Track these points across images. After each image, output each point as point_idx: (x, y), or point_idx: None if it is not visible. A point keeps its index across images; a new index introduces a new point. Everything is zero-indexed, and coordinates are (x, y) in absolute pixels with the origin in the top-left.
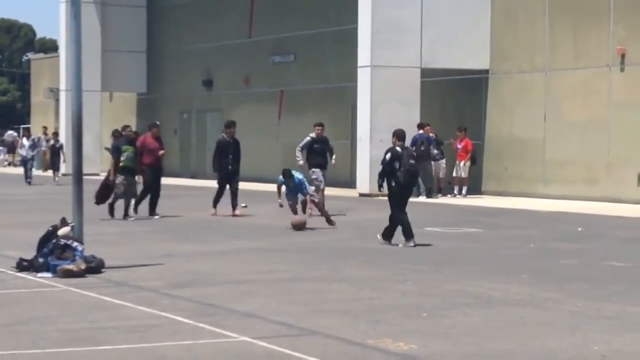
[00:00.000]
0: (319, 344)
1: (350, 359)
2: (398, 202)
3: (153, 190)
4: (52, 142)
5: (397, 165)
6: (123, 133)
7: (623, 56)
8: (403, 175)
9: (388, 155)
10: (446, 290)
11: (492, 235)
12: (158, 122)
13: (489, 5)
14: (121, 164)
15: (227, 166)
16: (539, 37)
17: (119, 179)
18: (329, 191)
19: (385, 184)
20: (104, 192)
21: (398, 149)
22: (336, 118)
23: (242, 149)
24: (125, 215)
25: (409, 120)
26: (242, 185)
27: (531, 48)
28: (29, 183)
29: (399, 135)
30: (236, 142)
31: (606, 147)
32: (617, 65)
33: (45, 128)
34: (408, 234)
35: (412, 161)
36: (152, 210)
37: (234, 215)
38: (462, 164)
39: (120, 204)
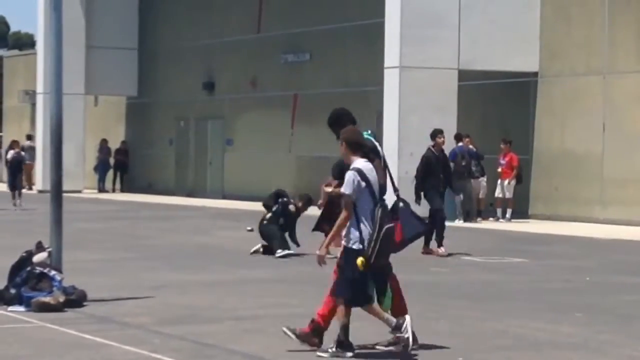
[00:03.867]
0: None
1: None
2: None
3: None
4: (12, 153)
5: None
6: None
7: None
8: None
9: None
10: (486, 330)
11: (541, 266)
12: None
13: None
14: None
15: (436, 189)
16: (597, 34)
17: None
18: None
19: None
20: (330, 213)
21: None
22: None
23: (248, 162)
24: None
25: (445, 130)
26: (246, 205)
27: (587, 47)
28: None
29: None
30: (445, 157)
31: None
32: None
33: (29, 137)
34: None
35: None
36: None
37: (440, 255)
38: (506, 182)
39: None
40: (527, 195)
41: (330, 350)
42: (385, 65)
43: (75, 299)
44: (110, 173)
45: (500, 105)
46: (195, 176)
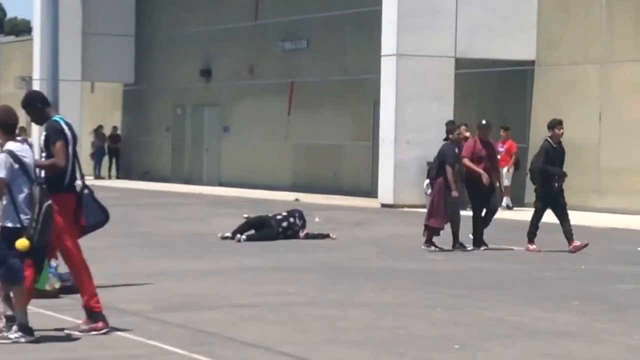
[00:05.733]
0: None
1: None
2: None
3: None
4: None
5: None
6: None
7: None
8: None
9: None
10: (483, 319)
11: (538, 255)
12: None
13: None
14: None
15: (552, 182)
16: (594, 23)
17: (455, 193)
18: (345, 201)
19: None
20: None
21: None
22: (355, 115)
23: (244, 150)
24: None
25: (441, 118)
26: (243, 192)
27: (585, 36)
28: None
29: None
30: (562, 149)
31: None
32: None
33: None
34: None
35: None
36: (480, 239)
37: (574, 250)
38: (504, 170)
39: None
40: (523, 183)
41: (10, 335)
42: (383, 53)
43: (71, 286)
44: (106, 160)
45: (497, 93)
46: (192, 163)
